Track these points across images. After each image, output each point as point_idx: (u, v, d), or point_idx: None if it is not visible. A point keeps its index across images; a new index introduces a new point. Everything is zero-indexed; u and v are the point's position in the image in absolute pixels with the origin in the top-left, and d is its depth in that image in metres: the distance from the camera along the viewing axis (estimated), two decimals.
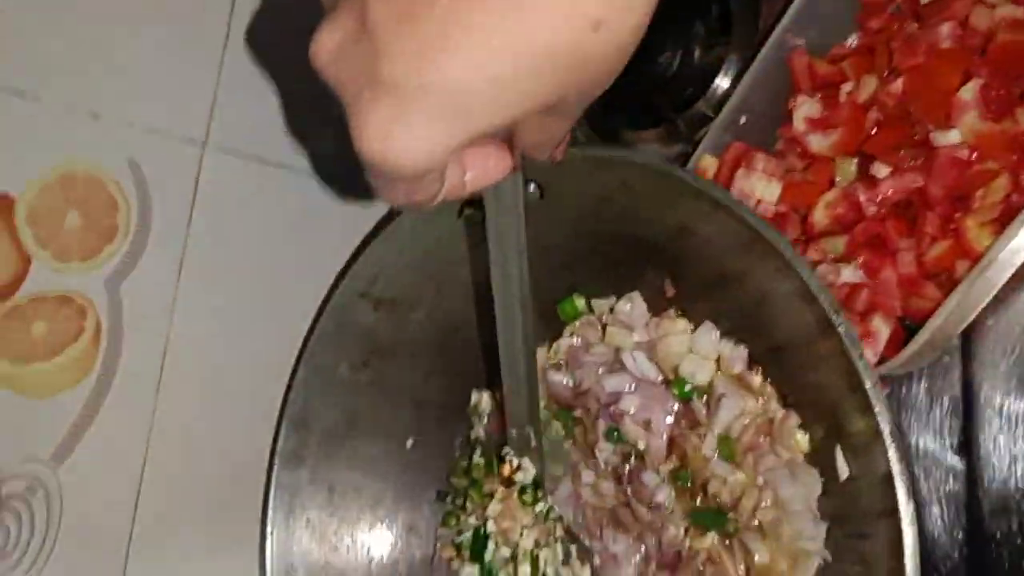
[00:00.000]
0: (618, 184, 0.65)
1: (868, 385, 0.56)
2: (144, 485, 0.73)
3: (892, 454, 0.55)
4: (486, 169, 0.42)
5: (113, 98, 0.69)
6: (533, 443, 0.75)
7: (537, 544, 0.76)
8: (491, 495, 0.76)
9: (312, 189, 0.83)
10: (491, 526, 0.76)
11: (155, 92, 0.71)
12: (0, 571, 0.66)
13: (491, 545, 0.76)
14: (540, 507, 0.76)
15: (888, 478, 0.55)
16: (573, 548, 0.76)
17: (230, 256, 0.77)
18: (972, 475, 0.65)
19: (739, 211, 0.59)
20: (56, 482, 0.69)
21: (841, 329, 0.56)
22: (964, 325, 0.60)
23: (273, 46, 0.78)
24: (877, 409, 0.56)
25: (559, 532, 0.76)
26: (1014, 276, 0.60)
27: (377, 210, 0.86)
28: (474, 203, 0.71)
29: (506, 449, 0.77)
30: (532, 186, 0.68)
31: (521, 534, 0.75)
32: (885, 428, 0.55)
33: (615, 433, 0.72)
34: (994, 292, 0.59)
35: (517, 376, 0.70)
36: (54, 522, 0.69)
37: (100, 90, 0.68)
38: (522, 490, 0.76)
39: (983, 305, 0.60)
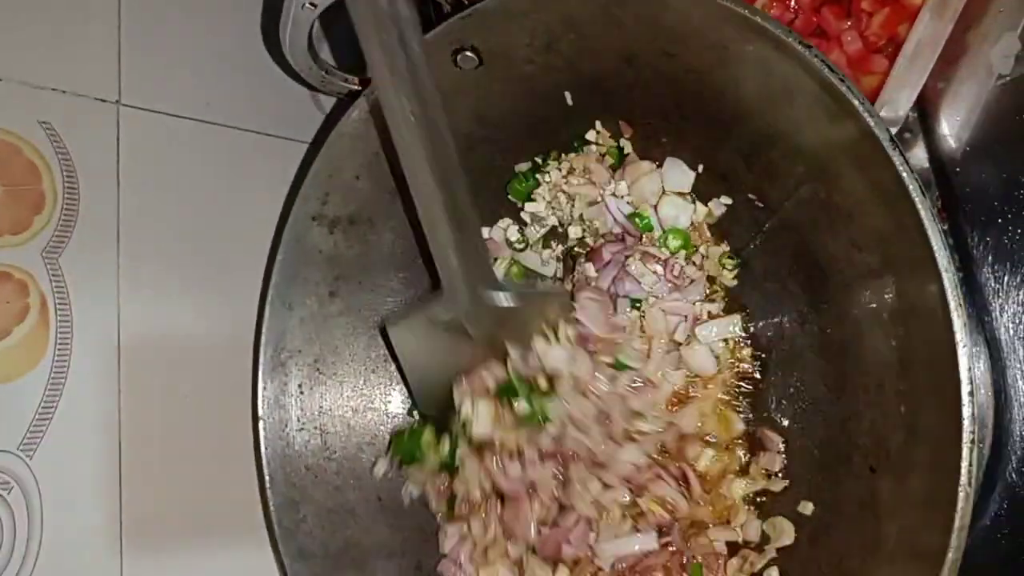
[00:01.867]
0: (561, 20, 0.63)
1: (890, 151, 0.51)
2: (124, 465, 0.70)
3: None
4: None
5: (12, 61, 0.66)
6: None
7: None
8: None
9: (234, 136, 0.81)
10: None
11: (57, 53, 0.69)
12: None
13: None
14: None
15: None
16: None
17: (168, 212, 0.75)
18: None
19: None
20: (30, 474, 0.65)
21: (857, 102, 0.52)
22: (920, 83, 0.62)
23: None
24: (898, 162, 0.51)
25: None
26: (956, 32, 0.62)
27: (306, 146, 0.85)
28: None
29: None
30: (469, 53, 0.67)
31: None
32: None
33: None
34: (941, 43, 0.61)
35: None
36: (36, 517, 0.65)
37: None
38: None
39: (934, 58, 0.61)
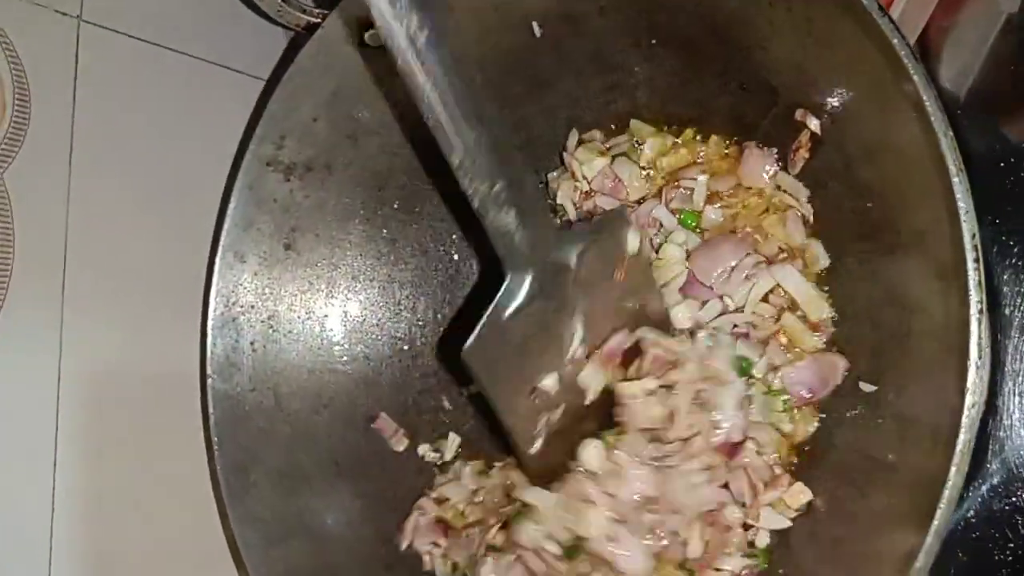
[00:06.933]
0: None
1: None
2: (62, 395, 0.69)
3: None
4: None
5: None
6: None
7: None
8: None
9: (194, 66, 0.81)
10: None
11: None
12: None
13: None
14: None
15: None
16: None
17: (124, 137, 0.75)
18: None
19: None
20: None
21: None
22: (925, 17, 0.64)
23: None
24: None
25: None
26: None
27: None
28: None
29: None
30: None
31: None
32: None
33: None
34: None
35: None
36: None
37: None
38: None
39: None
